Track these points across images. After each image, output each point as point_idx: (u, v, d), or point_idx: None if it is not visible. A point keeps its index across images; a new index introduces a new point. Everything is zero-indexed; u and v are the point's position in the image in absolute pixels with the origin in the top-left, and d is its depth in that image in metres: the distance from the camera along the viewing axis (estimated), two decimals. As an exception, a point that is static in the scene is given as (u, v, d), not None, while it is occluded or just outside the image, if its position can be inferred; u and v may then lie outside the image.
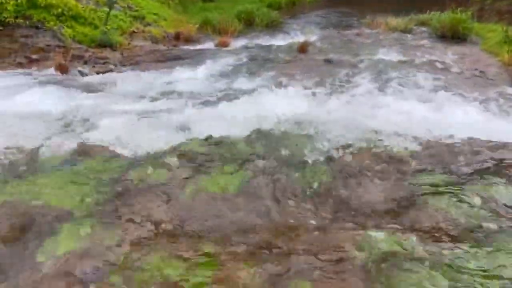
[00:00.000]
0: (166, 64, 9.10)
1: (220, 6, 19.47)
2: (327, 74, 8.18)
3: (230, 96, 6.51)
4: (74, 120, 5.10)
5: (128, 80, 7.53)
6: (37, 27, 9.24)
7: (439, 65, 9.42)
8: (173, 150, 4.28)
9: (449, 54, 10.59)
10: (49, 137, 4.55)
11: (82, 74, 7.89)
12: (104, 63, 8.80)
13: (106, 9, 11.27)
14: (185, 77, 8.07)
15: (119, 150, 4.22)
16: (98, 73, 8.17)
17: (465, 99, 6.72)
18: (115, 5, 12.03)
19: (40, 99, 5.66)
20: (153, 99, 6.37)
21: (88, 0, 12.25)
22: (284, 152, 4.31)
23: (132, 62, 9.18)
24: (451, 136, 5.01)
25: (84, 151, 4.12)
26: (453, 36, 12.28)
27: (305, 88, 6.96)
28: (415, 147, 4.70)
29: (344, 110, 5.66)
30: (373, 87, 7.21)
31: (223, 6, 19.40)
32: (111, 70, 8.34)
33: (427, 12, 15.79)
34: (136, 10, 13.67)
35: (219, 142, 4.46)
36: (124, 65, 8.91)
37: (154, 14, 14.46)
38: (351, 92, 6.86)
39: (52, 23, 9.49)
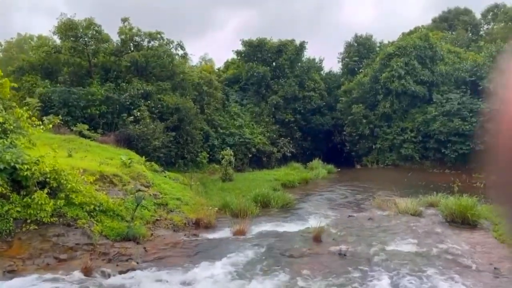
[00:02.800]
0: (186, 260, 9.44)
1: (237, 186, 20.87)
2: (342, 274, 8.33)
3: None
4: None
5: (148, 284, 7.79)
6: (69, 225, 10.00)
7: (453, 259, 9.53)
8: None
9: (462, 243, 10.77)
10: None
11: (105, 275, 8.22)
12: (127, 260, 9.20)
13: (134, 198, 12.21)
14: (203, 276, 8.31)
15: None
16: (120, 272, 8.49)
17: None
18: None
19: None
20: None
21: (118, 191, 13.47)
22: None
23: (154, 258, 9.57)
24: None
25: None
26: (463, 222, 12.65)
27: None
28: None
29: None
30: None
31: (241, 186, 20.79)
32: (133, 269, 8.67)
33: (434, 192, 16.62)
34: (160, 197, 14.76)
35: None
36: (146, 261, 9.27)
37: (177, 199, 15.49)
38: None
39: (83, 220, 10.28)
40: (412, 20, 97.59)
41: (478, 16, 51.30)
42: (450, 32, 49.79)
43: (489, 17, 50.66)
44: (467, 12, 51.62)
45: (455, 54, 39.34)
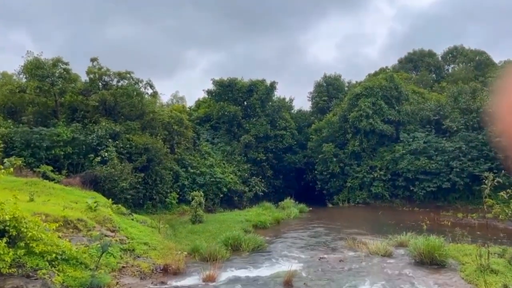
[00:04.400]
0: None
1: (208, 229, 20.41)
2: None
3: None
4: None
5: None
6: (28, 276, 9.44)
7: (423, 302, 9.54)
8: None
9: (431, 284, 10.84)
10: None
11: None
12: (89, 315, 8.69)
13: (100, 245, 11.68)
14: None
15: None
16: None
17: None
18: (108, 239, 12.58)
19: None
20: None
21: (82, 237, 12.90)
22: None
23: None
24: None
25: None
26: (431, 262, 12.77)
27: None
28: None
29: None
30: None
31: (211, 228, 20.35)
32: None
33: (404, 232, 16.81)
34: (127, 243, 14.21)
35: None
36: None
37: (144, 243, 14.95)
38: None
39: (44, 270, 9.73)
40: (372, 58, 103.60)
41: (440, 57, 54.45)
42: (415, 73, 52.34)
43: (449, 58, 53.78)
44: (430, 54, 54.60)
45: (419, 95, 41.14)
